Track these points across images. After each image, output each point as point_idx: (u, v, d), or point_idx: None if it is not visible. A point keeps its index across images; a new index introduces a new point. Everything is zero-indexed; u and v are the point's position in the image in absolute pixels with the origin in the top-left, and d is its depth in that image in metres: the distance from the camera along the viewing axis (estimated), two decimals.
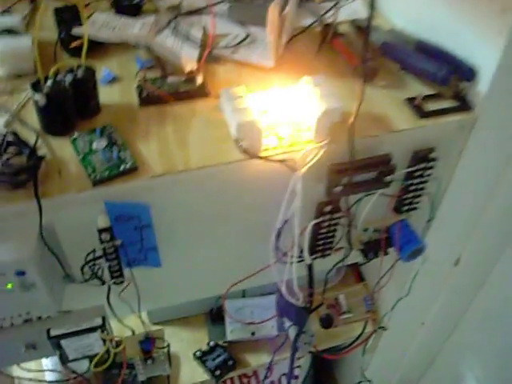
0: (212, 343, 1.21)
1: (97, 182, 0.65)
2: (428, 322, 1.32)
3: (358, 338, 1.17)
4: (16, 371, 1.20)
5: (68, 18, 0.88)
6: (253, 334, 1.19)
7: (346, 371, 1.64)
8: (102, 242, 0.68)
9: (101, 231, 0.67)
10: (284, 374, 1.42)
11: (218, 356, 1.19)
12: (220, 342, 1.21)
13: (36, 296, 0.69)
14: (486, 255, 1.13)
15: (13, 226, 0.66)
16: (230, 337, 1.19)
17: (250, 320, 1.18)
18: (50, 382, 1.12)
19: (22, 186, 0.65)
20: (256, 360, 1.22)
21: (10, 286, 0.67)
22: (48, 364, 1.11)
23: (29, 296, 0.69)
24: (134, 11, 0.94)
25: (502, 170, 0.90)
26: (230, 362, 1.19)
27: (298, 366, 1.46)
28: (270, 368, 1.34)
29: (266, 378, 1.39)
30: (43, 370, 1.11)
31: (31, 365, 1.16)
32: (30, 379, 1.18)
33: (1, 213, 0.64)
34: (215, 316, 1.25)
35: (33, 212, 0.64)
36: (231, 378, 1.37)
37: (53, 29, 0.92)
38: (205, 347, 1.20)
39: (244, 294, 1.19)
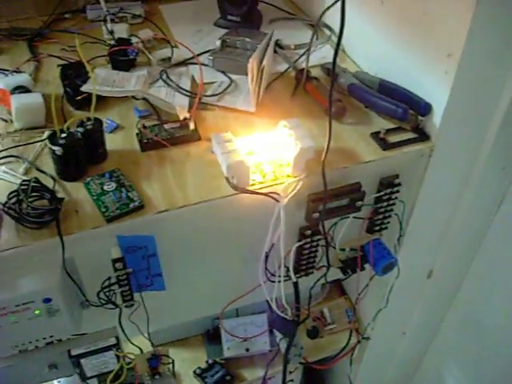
0: (210, 361, 1.30)
1: (110, 220, 0.76)
2: (409, 332, 1.41)
3: (344, 349, 1.28)
4: None
5: (72, 73, 0.99)
6: (247, 350, 1.29)
7: (337, 383, 1.74)
8: (115, 270, 0.78)
9: (115, 261, 0.78)
10: None
11: (217, 372, 1.28)
12: (217, 360, 1.30)
13: (59, 320, 0.79)
14: (456, 266, 1.23)
15: (39, 260, 0.76)
16: (226, 354, 1.29)
17: (244, 337, 1.28)
18: None
19: (46, 226, 0.76)
20: (251, 374, 1.31)
21: (37, 311, 0.76)
22: None
23: (53, 320, 0.78)
24: (129, 65, 1.06)
25: (460, 189, 1.01)
26: (228, 378, 1.28)
27: (291, 380, 1.55)
28: (264, 382, 1.44)
29: None
30: None
31: None
32: None
33: (29, 250, 0.74)
34: (212, 336, 1.35)
35: (56, 247, 0.74)
36: None
37: (56, 83, 1.04)
38: (204, 365, 1.30)
39: (238, 314, 1.29)
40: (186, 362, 1.31)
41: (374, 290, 1.08)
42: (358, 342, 1.31)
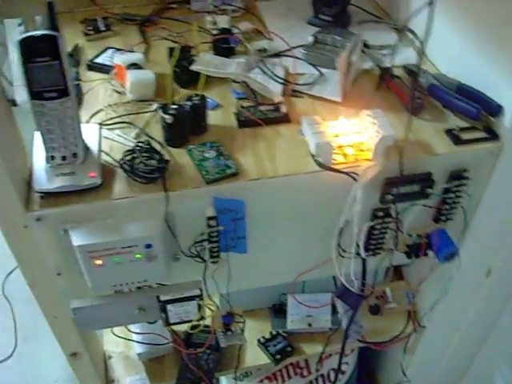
0: (274, 332, 1.40)
1: (209, 182, 0.88)
2: (463, 329, 1.46)
3: (400, 334, 1.36)
4: (106, 345, 1.44)
5: (179, 56, 1.12)
6: (309, 325, 1.38)
7: (388, 372, 1.80)
8: (209, 226, 0.90)
9: (209, 218, 0.89)
10: (333, 369, 1.60)
11: (279, 343, 1.38)
12: (281, 331, 1.40)
13: (155, 266, 0.91)
14: None
15: (145, 210, 0.88)
16: (289, 326, 1.38)
17: (307, 313, 1.38)
18: (139, 353, 1.35)
19: (154, 182, 0.88)
20: (311, 349, 1.40)
21: (139, 255, 0.88)
22: (138, 337, 1.33)
23: (150, 266, 0.90)
24: (229, 52, 1.17)
25: None
26: (289, 349, 1.38)
27: (346, 363, 1.64)
28: (320, 360, 1.54)
29: (317, 370, 1.58)
30: (132, 340, 1.33)
31: (119, 341, 1.40)
32: (119, 353, 1.43)
33: (137, 201, 0.87)
34: (277, 310, 1.45)
35: (160, 201, 0.86)
36: (286, 368, 1.57)
37: (164, 64, 1.17)
38: (267, 335, 1.40)
39: (303, 290, 1.39)
40: (252, 331, 1.41)
41: (433, 281, 1.15)
42: (414, 330, 1.38)
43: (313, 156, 0.91)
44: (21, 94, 0.88)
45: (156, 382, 1.34)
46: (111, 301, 0.99)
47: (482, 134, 0.99)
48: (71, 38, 1.26)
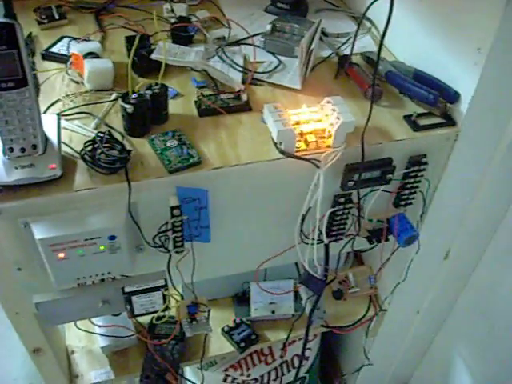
0: (238, 320, 1.40)
1: (172, 171, 0.87)
2: (422, 311, 1.51)
3: (362, 318, 1.39)
4: (68, 340, 1.42)
5: (138, 45, 1.10)
6: (273, 312, 1.39)
7: (350, 356, 1.84)
8: (172, 216, 0.90)
9: (173, 208, 0.89)
10: (296, 355, 1.62)
11: (243, 331, 1.39)
12: (244, 320, 1.41)
13: (119, 258, 0.90)
14: (473, 249, 1.32)
15: (108, 202, 0.87)
16: (253, 314, 1.39)
17: (270, 300, 1.39)
18: (102, 347, 1.34)
19: (115, 173, 0.87)
20: (275, 336, 1.41)
21: (102, 247, 0.87)
22: (101, 330, 1.32)
23: (114, 257, 0.89)
24: (187, 41, 1.17)
25: (481, 174, 1.10)
26: (253, 337, 1.38)
27: (309, 348, 1.66)
28: (284, 347, 1.55)
29: (281, 357, 1.59)
30: (95, 333, 1.32)
31: (82, 335, 1.39)
32: (82, 347, 1.41)
33: (100, 192, 0.86)
34: (240, 298, 1.45)
35: (123, 192, 0.85)
36: (251, 356, 1.58)
37: (121, 53, 1.16)
38: (231, 324, 1.41)
39: (265, 278, 1.40)
40: (216, 320, 1.41)
41: (393, 264, 1.17)
42: (375, 314, 1.41)
43: (275, 143, 0.92)
44: None
45: (121, 375, 1.33)
46: (75, 294, 0.98)
47: (439, 120, 1.02)
48: (24, 26, 1.19)
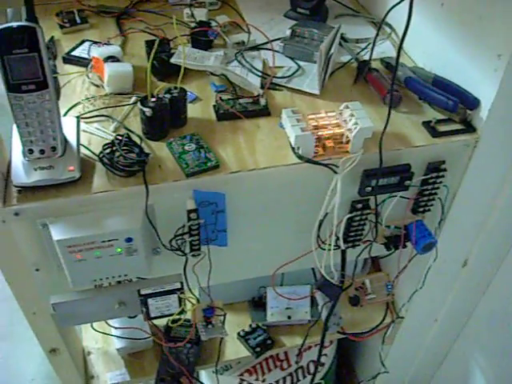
0: (253, 325, 1.41)
1: (189, 175, 0.88)
2: (440, 319, 1.49)
3: (378, 325, 1.38)
4: (85, 341, 1.43)
5: (157, 49, 1.11)
6: (289, 317, 1.39)
7: (366, 363, 1.82)
8: (189, 219, 0.90)
9: (189, 212, 0.89)
10: (312, 361, 1.61)
11: (259, 336, 1.39)
12: (260, 324, 1.41)
13: (136, 260, 0.90)
14: (492, 258, 1.30)
15: (125, 204, 0.88)
16: (269, 319, 1.39)
17: (287, 305, 1.39)
18: (118, 348, 1.35)
19: (134, 175, 0.87)
20: (290, 341, 1.41)
21: (119, 249, 0.88)
22: (117, 332, 1.32)
23: (130, 260, 0.90)
24: (207, 46, 1.17)
25: (501, 181, 1.09)
26: (269, 342, 1.39)
27: (325, 355, 1.65)
28: (300, 353, 1.55)
29: (296, 362, 1.59)
30: (111, 335, 1.33)
31: (98, 336, 1.40)
32: (99, 348, 1.42)
33: (117, 194, 0.86)
34: (257, 303, 1.45)
35: (141, 194, 0.86)
36: (266, 361, 1.58)
37: (141, 57, 1.17)
38: (247, 328, 1.41)
39: (282, 283, 1.40)
40: (231, 324, 1.41)
41: (411, 271, 1.16)
42: (392, 321, 1.40)
43: (293, 148, 0.92)
44: None
45: (136, 377, 1.34)
46: (91, 295, 0.98)
47: (458, 126, 1.01)
48: (47, 30, 1.24)
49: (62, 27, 1.26)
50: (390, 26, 1.27)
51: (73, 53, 1.17)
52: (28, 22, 0.73)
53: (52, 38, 1.23)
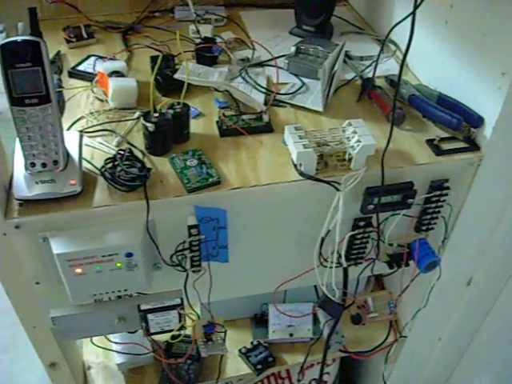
0: (255, 342, 1.40)
1: (191, 190, 0.88)
2: (444, 338, 1.48)
3: (381, 344, 1.36)
4: (85, 355, 1.42)
5: (162, 64, 1.11)
6: (291, 335, 1.38)
7: (369, 382, 1.80)
8: (190, 235, 0.89)
9: (190, 227, 0.89)
10: (314, 379, 1.60)
11: (260, 353, 1.38)
12: (262, 341, 1.40)
13: (136, 275, 0.90)
14: (496, 277, 1.29)
15: (126, 219, 0.87)
16: (271, 336, 1.38)
17: (289, 323, 1.38)
18: (118, 364, 1.34)
19: (135, 190, 0.87)
20: (292, 359, 1.40)
21: (119, 264, 0.87)
22: (117, 347, 1.32)
23: (130, 275, 0.89)
24: (212, 62, 1.17)
25: (505, 199, 1.08)
26: (270, 359, 1.37)
27: (327, 373, 1.64)
28: (302, 371, 1.53)
29: (298, 380, 1.58)
30: (111, 350, 1.33)
31: (99, 351, 1.39)
32: (99, 363, 1.41)
33: (118, 209, 0.86)
34: (258, 320, 1.45)
35: (142, 209, 0.86)
36: (268, 378, 1.56)
37: (146, 72, 1.17)
38: (249, 345, 1.40)
39: (285, 300, 1.39)
40: (233, 341, 1.40)
41: (414, 290, 1.16)
42: (395, 340, 1.39)
43: (295, 165, 0.91)
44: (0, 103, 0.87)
45: None
46: (91, 310, 0.98)
47: (462, 145, 1.00)
48: (53, 44, 1.25)
49: (68, 42, 1.27)
50: (395, 44, 1.27)
51: (78, 67, 1.17)
52: (32, 37, 0.73)
53: (58, 52, 1.23)
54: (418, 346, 1.46)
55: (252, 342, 1.40)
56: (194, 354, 1.29)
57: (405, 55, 0.85)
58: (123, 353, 1.31)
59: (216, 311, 1.08)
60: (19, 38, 0.73)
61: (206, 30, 1.27)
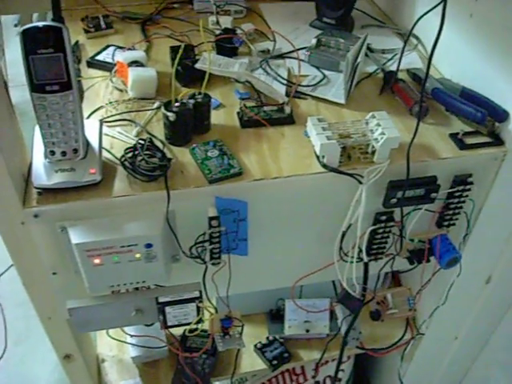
0: (271, 337, 1.38)
1: (212, 181, 0.86)
2: (461, 337, 1.46)
3: (398, 341, 1.35)
4: (100, 348, 1.41)
5: (182, 54, 1.10)
6: (307, 331, 1.36)
7: (384, 380, 1.78)
8: (210, 227, 0.88)
9: (211, 219, 0.87)
10: (329, 376, 1.58)
11: (276, 349, 1.36)
12: (278, 337, 1.38)
13: (155, 267, 0.89)
14: None
15: (146, 209, 0.87)
16: (287, 332, 1.37)
17: (305, 318, 1.36)
18: (133, 357, 1.33)
19: (155, 180, 0.86)
20: (308, 355, 1.38)
21: (138, 255, 0.86)
22: (133, 340, 1.31)
23: (149, 266, 0.89)
24: (232, 53, 1.16)
25: None
26: (286, 355, 1.36)
27: (342, 370, 1.62)
28: (317, 367, 1.52)
29: (313, 377, 1.56)
30: (127, 343, 1.32)
31: (113, 344, 1.38)
32: (113, 356, 1.40)
33: (138, 199, 0.85)
34: (274, 315, 1.43)
35: (162, 200, 0.85)
36: (282, 374, 1.55)
37: (166, 62, 1.16)
38: (264, 340, 1.38)
39: (301, 295, 1.38)
40: (248, 336, 1.38)
41: (433, 287, 1.14)
42: (412, 337, 1.37)
43: (317, 157, 0.90)
44: (16, 95, 0.86)
45: None
46: (108, 301, 0.97)
47: (486, 139, 0.99)
48: (72, 34, 1.21)
49: (86, 32, 1.26)
50: (417, 37, 1.26)
51: (97, 57, 1.16)
52: (54, 22, 0.72)
53: (77, 42, 1.23)
54: (435, 344, 1.44)
55: (268, 338, 1.39)
56: (210, 349, 1.28)
57: (433, 49, 0.84)
58: (138, 346, 1.30)
59: (231, 306, 1.07)
60: (41, 24, 0.72)
61: (226, 22, 1.25)
